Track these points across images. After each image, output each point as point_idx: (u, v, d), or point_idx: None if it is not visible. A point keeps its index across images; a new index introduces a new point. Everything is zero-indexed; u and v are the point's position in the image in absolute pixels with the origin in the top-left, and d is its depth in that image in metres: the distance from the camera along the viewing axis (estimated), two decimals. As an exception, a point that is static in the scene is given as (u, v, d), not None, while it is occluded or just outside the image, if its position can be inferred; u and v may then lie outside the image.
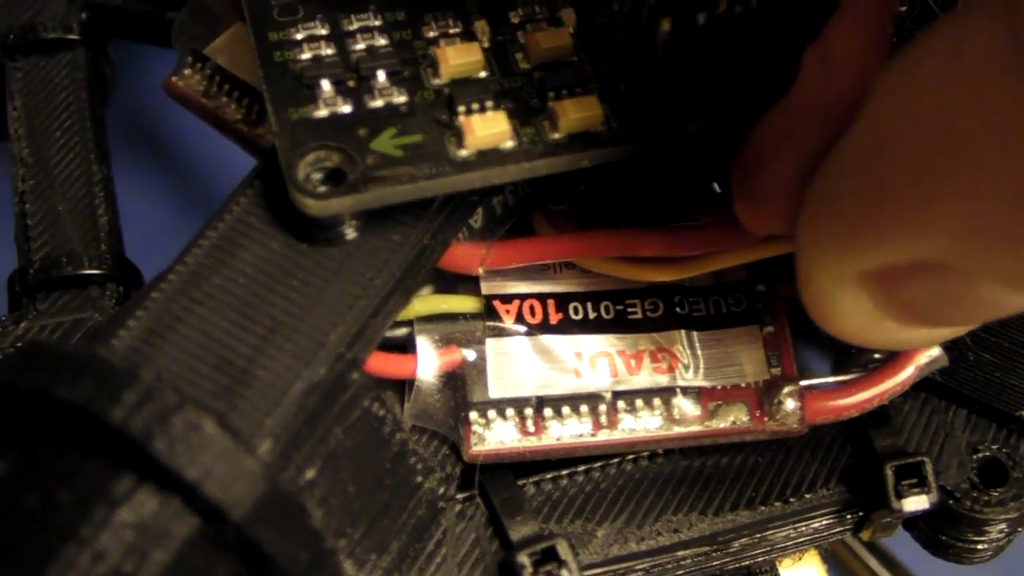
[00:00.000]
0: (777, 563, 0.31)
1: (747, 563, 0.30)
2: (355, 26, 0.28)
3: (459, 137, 0.26)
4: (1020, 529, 0.30)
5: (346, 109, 0.26)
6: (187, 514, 0.23)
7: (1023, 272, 0.21)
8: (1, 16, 0.36)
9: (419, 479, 0.27)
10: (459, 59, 0.27)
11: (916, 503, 0.29)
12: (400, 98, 0.27)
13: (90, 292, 0.31)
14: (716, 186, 0.30)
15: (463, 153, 0.26)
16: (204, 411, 0.23)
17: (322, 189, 0.25)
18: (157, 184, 0.44)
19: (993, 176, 0.20)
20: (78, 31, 0.36)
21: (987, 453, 0.30)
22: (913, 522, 0.31)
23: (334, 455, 0.25)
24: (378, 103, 0.27)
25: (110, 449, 0.23)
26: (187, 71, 0.32)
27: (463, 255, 0.28)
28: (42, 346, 0.24)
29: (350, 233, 0.26)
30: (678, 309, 0.30)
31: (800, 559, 0.31)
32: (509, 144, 0.26)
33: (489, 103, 0.26)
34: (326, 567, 0.24)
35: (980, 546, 0.30)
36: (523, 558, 0.27)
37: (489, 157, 0.26)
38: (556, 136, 0.26)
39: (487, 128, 0.26)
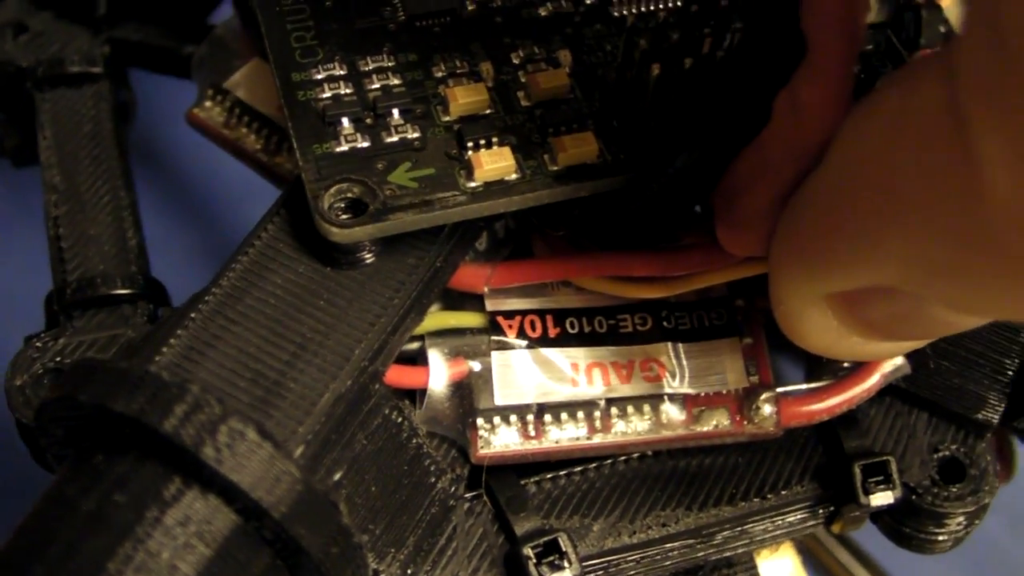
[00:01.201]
0: (755, 554, 0.34)
1: (728, 554, 0.32)
2: (371, 67, 0.30)
3: (468, 170, 0.28)
4: (977, 522, 0.33)
5: (364, 144, 0.29)
6: (229, 512, 0.25)
7: (965, 298, 0.23)
8: (29, 50, 0.38)
9: (433, 480, 0.30)
10: (467, 98, 0.29)
11: (882, 498, 0.31)
12: (413, 134, 0.29)
13: (123, 310, 0.33)
14: (698, 208, 0.33)
15: (472, 184, 0.28)
16: (247, 420, 0.25)
17: (345, 218, 0.28)
18: (174, 207, 0.46)
19: (931, 222, 0.21)
20: (101, 64, 0.38)
21: (946, 453, 0.33)
22: (879, 515, 0.33)
23: (358, 458, 0.28)
24: (394, 139, 0.29)
25: (161, 456, 0.25)
26: (208, 103, 0.35)
27: (470, 275, 0.31)
28: (97, 363, 0.26)
29: (369, 257, 0.29)
30: (665, 323, 0.32)
31: (776, 550, 0.34)
32: (514, 176, 0.29)
33: (495, 139, 0.29)
34: (354, 560, 0.26)
35: (940, 537, 0.33)
36: (528, 550, 0.29)
37: (496, 188, 0.28)
38: (556, 168, 0.29)
39: (494, 162, 0.28)
